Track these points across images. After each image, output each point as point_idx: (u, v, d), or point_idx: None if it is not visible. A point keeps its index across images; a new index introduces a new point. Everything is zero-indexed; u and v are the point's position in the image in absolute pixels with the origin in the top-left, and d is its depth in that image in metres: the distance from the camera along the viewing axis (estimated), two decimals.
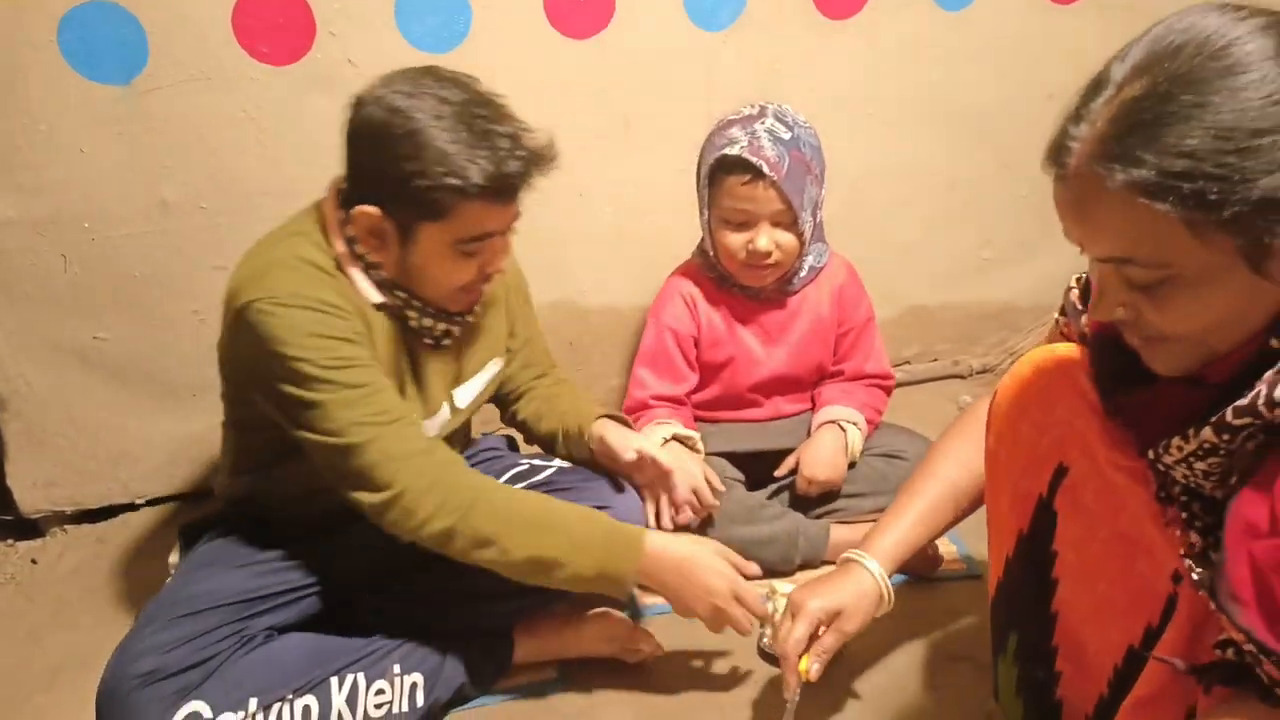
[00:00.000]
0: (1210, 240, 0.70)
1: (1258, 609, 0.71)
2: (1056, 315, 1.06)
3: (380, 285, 1.25)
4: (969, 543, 1.61)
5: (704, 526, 1.49)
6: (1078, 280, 1.02)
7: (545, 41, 1.68)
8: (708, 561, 1.25)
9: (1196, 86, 0.69)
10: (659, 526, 1.44)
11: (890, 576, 1.17)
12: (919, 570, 1.54)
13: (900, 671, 1.38)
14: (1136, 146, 0.70)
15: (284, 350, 1.15)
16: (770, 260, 1.50)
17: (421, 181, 1.13)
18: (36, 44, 1.46)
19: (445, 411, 1.38)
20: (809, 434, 1.62)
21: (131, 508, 1.80)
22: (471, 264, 1.23)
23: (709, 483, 1.46)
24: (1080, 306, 1.00)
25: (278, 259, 1.20)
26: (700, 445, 1.55)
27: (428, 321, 1.29)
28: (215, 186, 1.61)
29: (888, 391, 1.69)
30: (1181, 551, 0.83)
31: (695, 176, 1.55)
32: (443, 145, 1.12)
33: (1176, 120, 0.69)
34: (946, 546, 1.60)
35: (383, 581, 1.39)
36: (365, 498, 1.18)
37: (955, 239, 2.06)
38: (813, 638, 1.15)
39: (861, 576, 1.16)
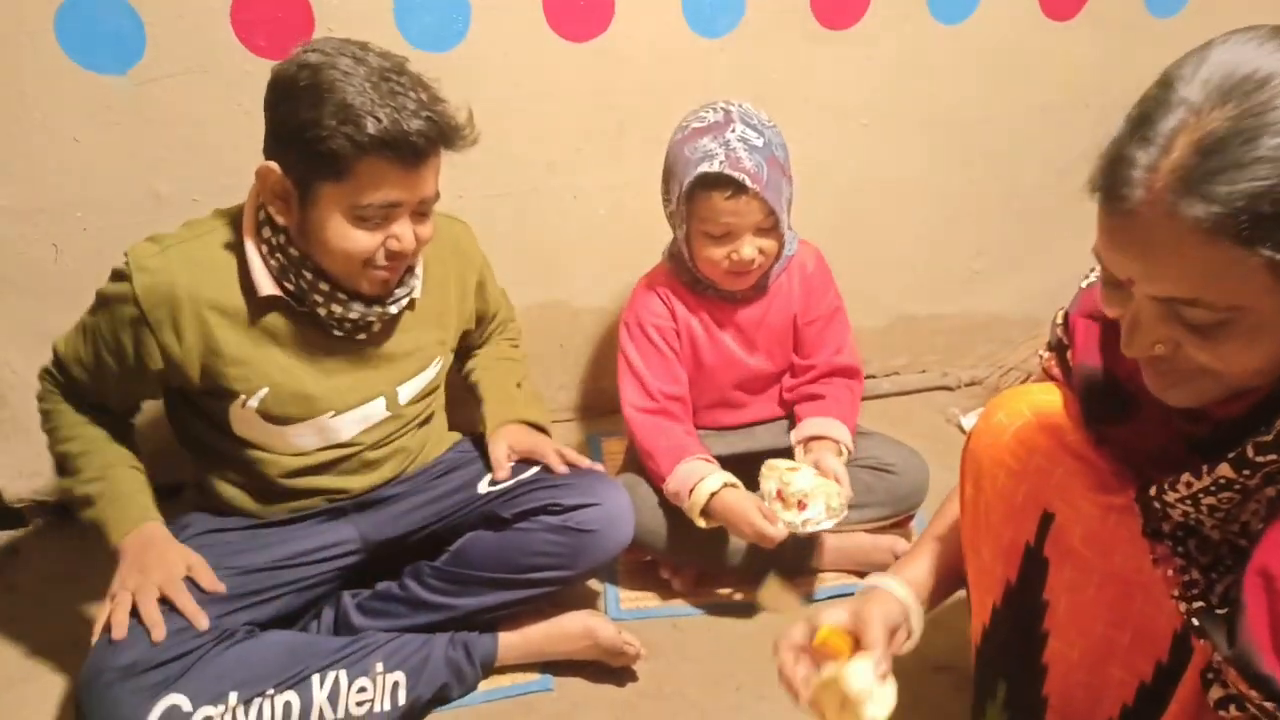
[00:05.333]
0: None
1: (1277, 658, 0.68)
2: (1042, 352, 1.05)
3: (283, 270, 1.22)
4: None
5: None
6: (1065, 315, 1.00)
7: (543, 43, 1.68)
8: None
9: None
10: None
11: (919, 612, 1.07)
12: None
13: None
14: (1226, 182, 0.64)
15: (101, 294, 1.25)
16: (754, 267, 1.50)
17: (318, 131, 1.10)
18: (33, 32, 1.46)
19: (379, 406, 1.36)
20: (796, 444, 1.60)
21: None
22: (373, 236, 1.18)
23: None
24: (1068, 341, 0.99)
25: (185, 236, 1.24)
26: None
27: (336, 308, 1.24)
28: (209, 179, 1.60)
29: (858, 388, 1.65)
30: (1175, 593, 0.82)
31: (665, 188, 1.52)
32: (344, 97, 1.09)
33: (1273, 158, 0.63)
34: None
35: (363, 583, 1.40)
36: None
37: (946, 250, 2.07)
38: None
39: (886, 598, 1.05)
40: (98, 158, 1.56)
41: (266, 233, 1.21)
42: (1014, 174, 2.02)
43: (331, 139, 1.10)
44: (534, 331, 1.92)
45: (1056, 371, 1.02)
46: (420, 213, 1.22)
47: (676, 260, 1.59)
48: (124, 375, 1.26)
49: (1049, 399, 1.00)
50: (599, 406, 2.05)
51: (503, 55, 1.67)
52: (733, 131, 1.43)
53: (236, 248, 1.23)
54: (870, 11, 1.80)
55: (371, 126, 1.09)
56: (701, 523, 1.45)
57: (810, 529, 1.40)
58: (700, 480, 1.45)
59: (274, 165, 1.16)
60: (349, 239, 1.17)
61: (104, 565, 1.63)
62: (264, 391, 1.27)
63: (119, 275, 1.23)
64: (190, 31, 1.51)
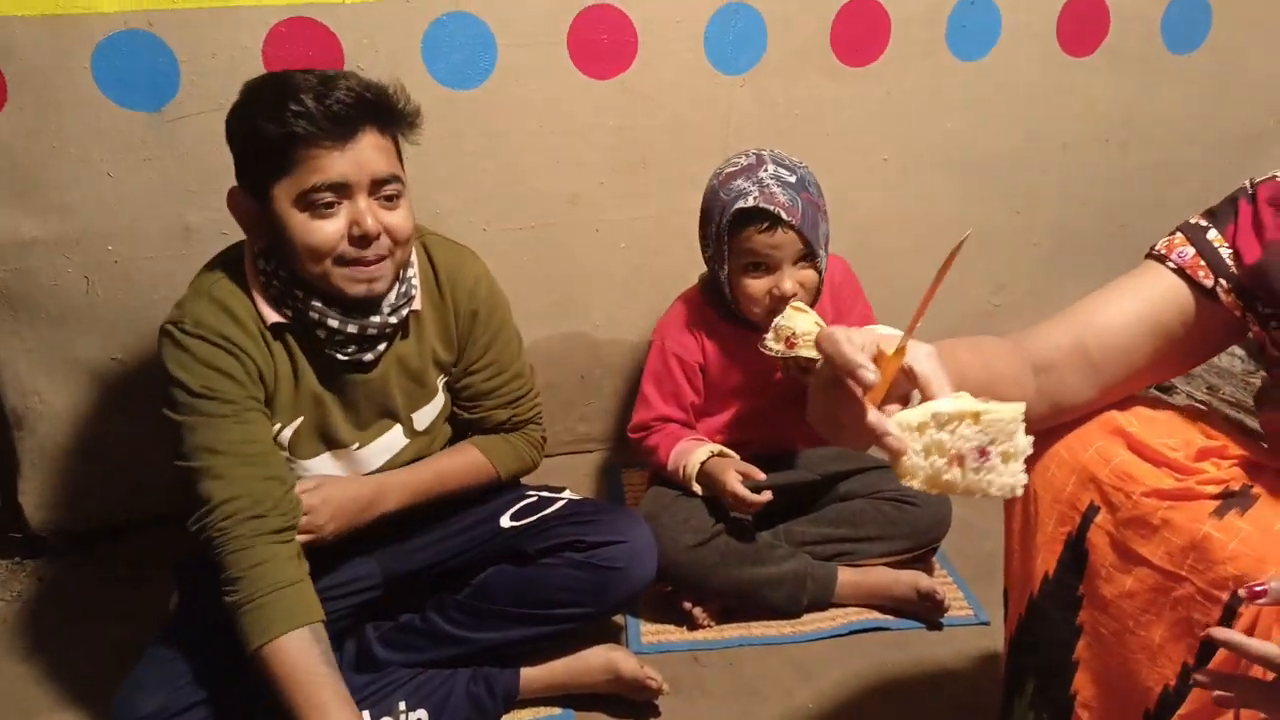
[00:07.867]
0: None
1: None
2: (1162, 248, 0.99)
3: (280, 297, 1.23)
4: (976, 590, 1.60)
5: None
6: (1207, 215, 0.97)
7: (568, 80, 1.71)
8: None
9: None
10: None
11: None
12: (926, 615, 1.54)
13: None
14: None
15: (170, 372, 1.19)
16: (795, 300, 1.50)
17: (253, 130, 1.15)
18: (71, 69, 1.49)
19: (397, 434, 1.36)
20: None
21: (141, 528, 1.80)
22: (333, 224, 1.16)
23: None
24: (1220, 237, 0.94)
25: (202, 286, 1.24)
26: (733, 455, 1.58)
27: (333, 322, 1.22)
28: None
29: None
30: None
31: (702, 232, 1.55)
32: (277, 97, 1.14)
33: None
34: (954, 593, 1.59)
35: (385, 616, 1.39)
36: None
37: (967, 286, 2.07)
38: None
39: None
40: (130, 191, 1.59)
41: (261, 263, 1.24)
42: (1033, 209, 2.03)
43: (265, 131, 1.14)
44: (555, 363, 1.93)
45: (1197, 270, 0.97)
46: (383, 196, 1.19)
47: (714, 293, 1.60)
48: (243, 409, 1.21)
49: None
50: (619, 438, 2.05)
51: (528, 92, 1.70)
52: (765, 170, 1.47)
53: (243, 285, 1.24)
54: (890, 49, 1.82)
55: (296, 106, 1.13)
56: (698, 489, 1.55)
57: (789, 353, 1.45)
58: (692, 454, 1.56)
59: (236, 189, 1.22)
60: (310, 231, 1.16)
61: (128, 596, 1.65)
62: (299, 421, 1.27)
63: (175, 334, 1.21)
64: (223, 69, 1.55)
